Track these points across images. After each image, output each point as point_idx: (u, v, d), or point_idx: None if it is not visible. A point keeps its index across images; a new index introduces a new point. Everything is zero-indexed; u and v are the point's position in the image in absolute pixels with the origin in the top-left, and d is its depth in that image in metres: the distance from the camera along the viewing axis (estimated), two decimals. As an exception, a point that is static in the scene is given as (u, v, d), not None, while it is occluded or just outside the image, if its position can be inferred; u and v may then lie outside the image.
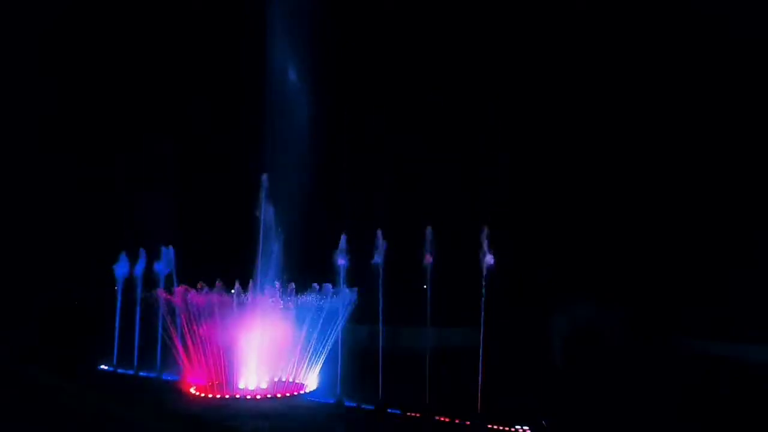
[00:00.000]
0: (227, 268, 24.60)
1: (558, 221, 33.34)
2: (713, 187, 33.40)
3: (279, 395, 22.20)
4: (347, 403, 20.71)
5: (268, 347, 22.85)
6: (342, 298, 22.23)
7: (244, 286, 23.06)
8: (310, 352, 23.11)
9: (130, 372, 27.19)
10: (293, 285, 23.31)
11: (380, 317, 20.79)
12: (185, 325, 23.50)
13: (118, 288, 28.49)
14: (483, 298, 18.14)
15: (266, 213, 23.75)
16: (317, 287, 22.83)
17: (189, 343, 23.61)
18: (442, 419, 18.48)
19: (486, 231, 18.28)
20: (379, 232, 20.41)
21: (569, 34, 35.90)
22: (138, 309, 27.73)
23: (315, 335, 22.81)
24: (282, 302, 23.14)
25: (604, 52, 35.46)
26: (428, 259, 19.01)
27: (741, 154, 32.95)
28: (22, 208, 43.08)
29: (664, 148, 34.54)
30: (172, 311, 23.95)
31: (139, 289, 27.83)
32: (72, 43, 42.06)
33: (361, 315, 21.84)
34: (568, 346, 27.44)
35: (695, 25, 33.63)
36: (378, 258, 20.42)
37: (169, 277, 25.61)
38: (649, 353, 28.27)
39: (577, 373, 25.51)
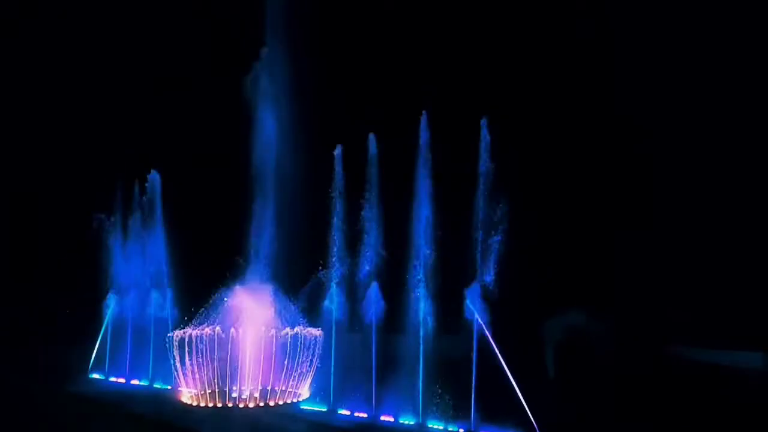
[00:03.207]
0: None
1: (552, 228, 33.48)
2: (707, 195, 33.61)
3: (272, 404, 22.19)
4: (340, 412, 20.80)
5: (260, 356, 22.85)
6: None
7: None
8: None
9: (121, 380, 27.14)
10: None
11: (373, 328, 20.87)
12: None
13: (111, 297, 28.45)
14: (477, 307, 18.29)
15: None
16: None
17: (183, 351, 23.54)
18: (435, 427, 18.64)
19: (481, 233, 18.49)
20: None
21: (570, 34, 36.01)
22: (130, 319, 27.76)
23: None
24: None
25: (603, 55, 35.61)
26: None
27: (738, 159, 33.15)
28: (18, 209, 42.90)
29: (659, 155, 34.73)
30: None
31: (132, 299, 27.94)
32: (71, 42, 41.80)
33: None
34: (560, 354, 27.59)
35: (695, 25, 33.81)
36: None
37: None
38: (639, 360, 28.47)
39: (568, 380, 25.68)
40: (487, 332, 18.12)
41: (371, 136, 22.35)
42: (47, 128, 42.71)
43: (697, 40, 33.64)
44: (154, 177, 28.21)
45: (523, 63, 35.19)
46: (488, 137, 19.40)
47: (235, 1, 34.83)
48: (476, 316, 18.26)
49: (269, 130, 25.64)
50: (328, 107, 28.46)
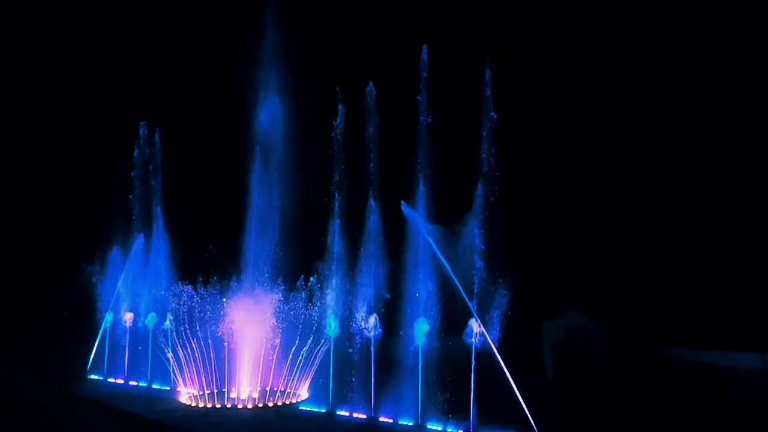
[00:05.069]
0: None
1: (552, 228, 33.45)
2: (707, 195, 33.56)
3: (270, 404, 22.19)
4: (339, 413, 20.77)
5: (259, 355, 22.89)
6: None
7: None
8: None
9: (120, 381, 27.15)
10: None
11: (372, 329, 20.82)
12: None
13: (111, 297, 28.49)
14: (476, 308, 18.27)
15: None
16: None
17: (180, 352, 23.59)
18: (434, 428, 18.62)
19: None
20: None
21: (569, 33, 35.88)
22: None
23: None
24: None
25: (601, 57, 35.54)
26: None
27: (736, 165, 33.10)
28: (14, 211, 42.87)
29: (659, 155, 34.67)
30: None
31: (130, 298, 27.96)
32: (70, 40, 41.78)
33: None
34: (559, 355, 27.58)
35: (694, 25, 33.68)
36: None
37: None
38: (638, 362, 28.49)
39: (568, 380, 25.68)
40: (486, 334, 18.10)
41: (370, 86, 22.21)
42: (47, 128, 42.75)
43: (700, 39, 33.69)
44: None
45: (520, 63, 35.17)
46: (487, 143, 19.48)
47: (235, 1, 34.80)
48: (476, 317, 18.23)
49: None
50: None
